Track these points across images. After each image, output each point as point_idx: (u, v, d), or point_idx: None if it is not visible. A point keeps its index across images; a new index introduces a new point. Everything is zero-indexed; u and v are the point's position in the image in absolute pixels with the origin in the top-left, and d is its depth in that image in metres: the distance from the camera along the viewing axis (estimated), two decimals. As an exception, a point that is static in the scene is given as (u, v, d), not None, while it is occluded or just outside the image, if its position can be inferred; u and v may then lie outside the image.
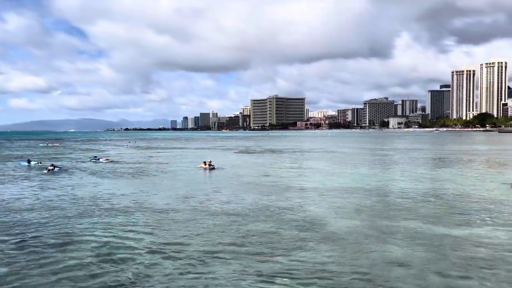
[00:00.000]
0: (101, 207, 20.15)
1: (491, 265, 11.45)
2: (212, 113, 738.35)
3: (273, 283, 10.37)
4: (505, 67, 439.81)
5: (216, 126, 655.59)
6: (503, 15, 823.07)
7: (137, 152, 72.60)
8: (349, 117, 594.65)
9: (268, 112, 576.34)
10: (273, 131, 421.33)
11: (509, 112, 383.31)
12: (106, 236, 14.65)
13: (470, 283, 10.22)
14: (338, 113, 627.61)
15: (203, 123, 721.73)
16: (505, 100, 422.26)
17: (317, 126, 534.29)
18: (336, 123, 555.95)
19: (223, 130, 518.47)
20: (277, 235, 14.76)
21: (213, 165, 37.48)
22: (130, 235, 14.86)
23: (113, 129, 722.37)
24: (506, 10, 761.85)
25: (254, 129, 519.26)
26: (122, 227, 15.95)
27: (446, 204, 20.41)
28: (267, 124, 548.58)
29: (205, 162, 38.68)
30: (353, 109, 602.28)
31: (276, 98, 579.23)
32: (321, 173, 35.20)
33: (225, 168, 39.37)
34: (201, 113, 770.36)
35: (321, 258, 12.15)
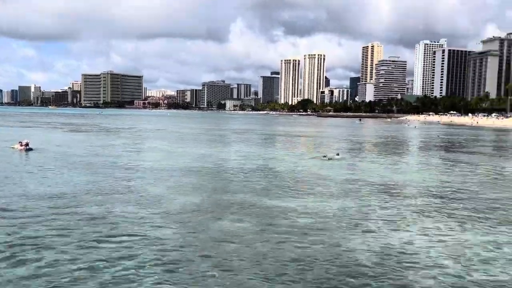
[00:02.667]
0: None
1: (308, 231, 12.87)
2: (35, 87, 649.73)
3: (108, 269, 9.57)
4: (324, 59, 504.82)
5: (39, 102, 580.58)
6: (324, 12, 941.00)
7: None
8: (188, 98, 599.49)
9: (102, 89, 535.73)
10: (107, 109, 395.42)
11: (325, 99, 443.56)
12: None
13: (292, 244, 11.30)
14: (177, 93, 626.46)
15: (22, 97, 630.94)
16: (322, 88, 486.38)
17: (156, 105, 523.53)
18: (175, 103, 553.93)
19: (50, 107, 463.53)
20: (112, 215, 13.76)
21: (29, 146, 32.77)
22: None
23: None
24: (327, 8, 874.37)
25: (85, 107, 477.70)
26: None
27: (275, 179, 22.30)
28: (101, 102, 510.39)
29: (20, 143, 33.56)
30: (192, 90, 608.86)
31: (111, 74, 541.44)
32: (160, 153, 34.50)
33: (49, 148, 35.14)
34: (20, 86, 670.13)
35: (161, 236, 11.81)
